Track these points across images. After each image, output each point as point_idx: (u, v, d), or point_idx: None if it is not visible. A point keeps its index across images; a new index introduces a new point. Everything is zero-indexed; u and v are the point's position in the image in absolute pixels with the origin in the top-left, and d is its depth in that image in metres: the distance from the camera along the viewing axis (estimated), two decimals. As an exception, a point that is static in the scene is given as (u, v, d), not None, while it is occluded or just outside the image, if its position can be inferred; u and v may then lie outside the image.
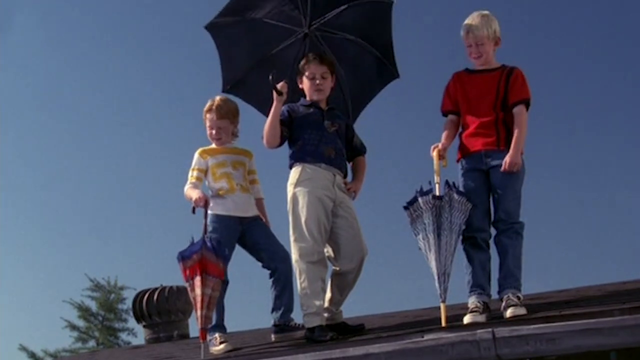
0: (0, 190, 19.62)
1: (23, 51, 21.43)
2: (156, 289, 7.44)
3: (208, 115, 5.24)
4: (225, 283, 4.93)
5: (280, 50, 5.35)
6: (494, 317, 4.41)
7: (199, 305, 4.66)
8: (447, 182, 4.56)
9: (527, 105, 4.68)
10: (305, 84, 5.07)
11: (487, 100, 4.70)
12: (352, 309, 5.14)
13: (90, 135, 21.82)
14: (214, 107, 5.21)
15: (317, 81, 5.01)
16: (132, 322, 15.40)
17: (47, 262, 21.15)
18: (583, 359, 3.86)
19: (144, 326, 7.52)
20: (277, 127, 4.91)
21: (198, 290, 4.66)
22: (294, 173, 4.92)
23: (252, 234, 5.12)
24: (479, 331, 3.87)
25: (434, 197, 4.46)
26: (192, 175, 5.17)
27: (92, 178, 21.73)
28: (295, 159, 4.97)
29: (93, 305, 16.29)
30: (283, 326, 4.96)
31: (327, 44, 5.30)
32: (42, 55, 21.79)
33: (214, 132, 5.23)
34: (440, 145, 4.74)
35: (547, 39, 17.79)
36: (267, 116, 5.04)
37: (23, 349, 15.82)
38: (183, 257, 4.71)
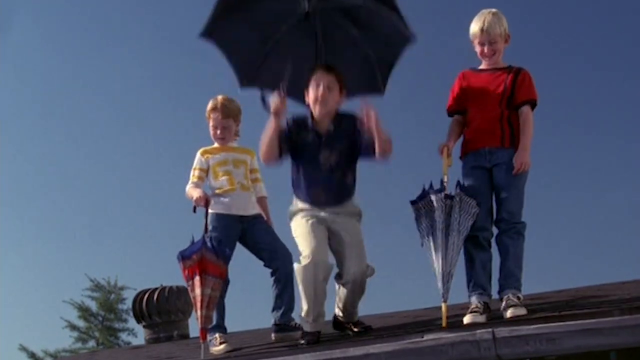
0: (0, 190, 19.63)
1: (23, 51, 21.44)
2: (156, 289, 7.44)
3: (212, 115, 5.22)
4: (226, 283, 4.93)
5: (286, 31, 5.10)
6: (494, 317, 4.41)
7: (198, 305, 4.67)
8: (458, 183, 4.56)
9: (533, 106, 4.70)
10: (310, 95, 4.79)
11: (493, 96, 4.70)
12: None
13: (90, 135, 21.86)
14: (218, 106, 5.19)
15: (321, 90, 4.71)
16: (132, 322, 15.42)
17: (47, 262, 21.16)
18: (583, 359, 3.86)
19: (144, 326, 7.52)
20: (274, 145, 4.69)
21: (198, 291, 4.66)
22: (291, 205, 4.95)
23: (253, 233, 5.11)
24: (479, 331, 3.87)
25: (447, 196, 4.47)
26: (194, 174, 5.17)
27: (92, 178, 21.75)
28: (292, 186, 4.96)
29: (93, 306, 16.32)
30: (283, 326, 4.95)
31: (337, 14, 5.02)
32: (42, 55, 21.80)
33: (218, 131, 5.22)
34: (450, 143, 4.76)
35: (543, 38, 17.81)
36: (296, 99, 4.90)
37: (23, 349, 15.85)
38: (183, 257, 4.71)
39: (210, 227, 4.92)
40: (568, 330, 3.77)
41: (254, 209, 5.19)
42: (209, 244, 4.73)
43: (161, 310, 7.33)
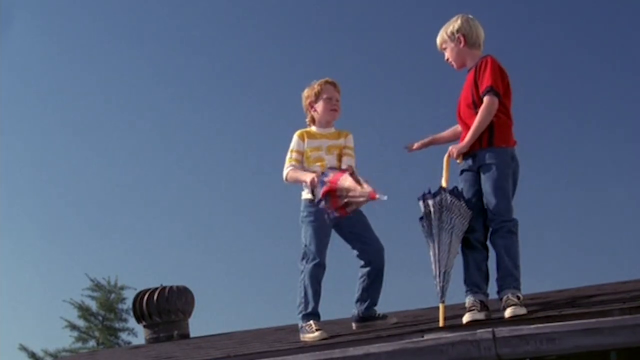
0: (0, 190, 19.62)
1: (23, 49, 21.42)
2: (156, 289, 7.44)
3: (327, 87, 5.14)
4: (322, 268, 4.90)
5: None
6: (494, 317, 4.41)
7: (354, 185, 4.64)
8: (440, 187, 4.58)
9: (495, 93, 4.56)
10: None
11: (467, 101, 4.72)
12: (351, 309, 5.13)
13: (90, 135, 21.82)
14: (330, 80, 5.16)
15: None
16: (132, 322, 15.42)
17: (47, 262, 21.15)
18: (583, 359, 3.86)
19: (144, 326, 7.52)
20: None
21: (349, 178, 4.68)
22: None
23: (349, 221, 4.96)
24: (479, 331, 3.88)
25: (435, 200, 4.49)
26: (291, 157, 5.08)
27: (92, 177, 21.72)
28: None
29: (93, 305, 16.31)
30: (366, 318, 5.01)
31: None
32: (43, 53, 21.78)
33: (333, 102, 5.14)
34: (432, 136, 4.91)
35: (542, 32, 17.81)
36: None
37: (23, 349, 15.81)
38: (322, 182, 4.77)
39: (304, 214, 4.95)
40: (568, 330, 3.77)
41: None
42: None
43: (161, 310, 7.33)
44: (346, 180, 4.68)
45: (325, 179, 4.77)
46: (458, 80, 4.85)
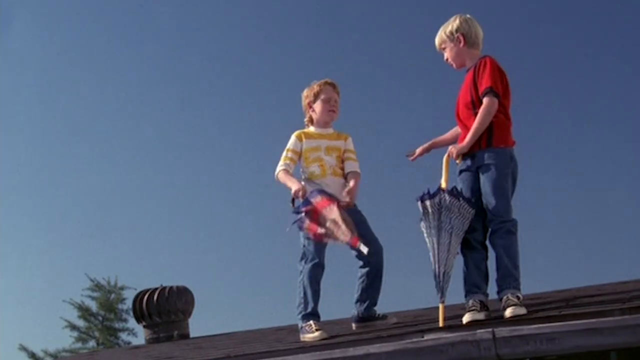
0: (0, 190, 19.62)
1: (23, 49, 21.43)
2: (156, 289, 7.45)
3: (326, 87, 5.16)
4: (321, 268, 4.90)
5: None
6: (494, 317, 4.41)
7: (340, 221, 4.59)
8: (439, 188, 4.58)
9: (495, 94, 4.57)
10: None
11: (465, 101, 4.72)
12: (351, 309, 5.13)
13: (90, 135, 21.81)
14: (330, 81, 5.17)
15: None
16: (132, 322, 15.42)
17: (47, 262, 21.14)
18: (583, 359, 3.86)
19: (144, 326, 7.53)
20: None
21: (337, 212, 4.64)
22: None
23: None
24: (479, 331, 3.88)
25: (434, 200, 4.49)
26: (286, 156, 5.09)
27: (93, 178, 21.71)
28: None
29: (93, 305, 16.32)
30: (366, 318, 5.00)
31: None
32: (43, 53, 21.79)
33: (331, 102, 5.15)
34: (432, 141, 4.90)
35: (542, 32, 17.82)
36: None
37: (23, 349, 15.82)
38: (306, 202, 4.74)
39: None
40: (568, 330, 3.77)
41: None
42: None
43: (161, 310, 7.34)
44: (332, 212, 4.67)
45: (313, 200, 4.75)
46: (457, 80, 4.86)
